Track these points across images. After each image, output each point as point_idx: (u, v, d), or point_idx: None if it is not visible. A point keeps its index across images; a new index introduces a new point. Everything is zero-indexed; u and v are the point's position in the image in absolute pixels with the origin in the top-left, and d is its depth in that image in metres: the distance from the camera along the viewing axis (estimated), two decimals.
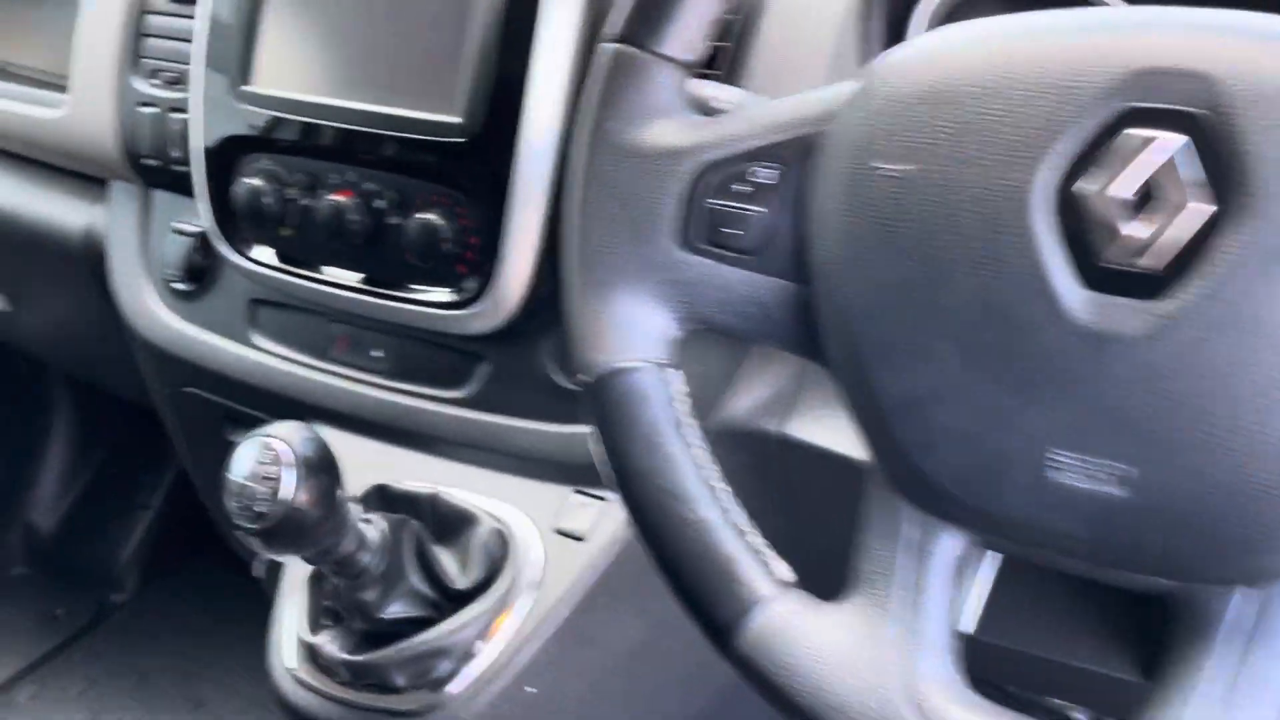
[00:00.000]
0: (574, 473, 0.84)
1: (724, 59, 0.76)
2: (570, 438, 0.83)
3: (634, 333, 0.50)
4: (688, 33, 0.51)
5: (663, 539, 0.49)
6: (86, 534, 1.81)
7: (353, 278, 0.88)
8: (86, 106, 1.03)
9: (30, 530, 1.81)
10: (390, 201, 0.84)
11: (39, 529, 1.81)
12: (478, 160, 0.80)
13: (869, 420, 0.48)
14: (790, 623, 0.47)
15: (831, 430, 0.80)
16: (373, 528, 0.74)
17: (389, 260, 0.86)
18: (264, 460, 0.64)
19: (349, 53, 0.85)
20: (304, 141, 0.87)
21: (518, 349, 0.86)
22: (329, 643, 0.76)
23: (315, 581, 0.80)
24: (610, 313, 0.50)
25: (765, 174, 0.48)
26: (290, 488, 0.64)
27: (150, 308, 1.03)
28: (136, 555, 1.78)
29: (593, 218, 0.51)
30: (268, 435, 0.65)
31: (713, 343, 0.78)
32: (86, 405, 1.83)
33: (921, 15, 0.75)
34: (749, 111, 0.50)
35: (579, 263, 0.51)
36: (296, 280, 0.90)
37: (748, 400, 0.78)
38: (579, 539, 0.81)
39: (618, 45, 0.51)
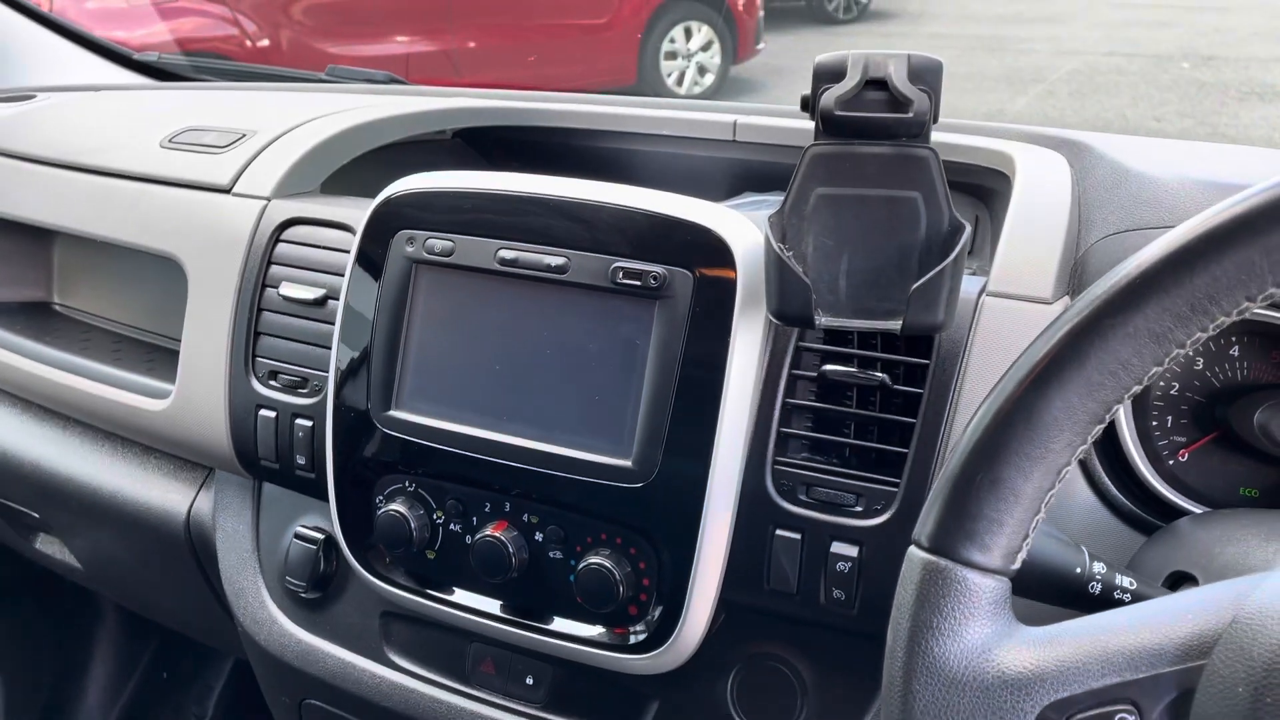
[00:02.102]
0: None
1: (920, 407, 0.73)
2: None
3: None
4: (1009, 540, 0.48)
5: None
6: None
7: (497, 606, 0.84)
8: (195, 402, 0.99)
9: None
10: (552, 535, 0.80)
11: None
12: (655, 506, 0.76)
13: None
14: None
15: None
16: None
17: (547, 594, 0.81)
18: None
19: (504, 384, 0.81)
20: (455, 471, 0.83)
21: (694, 688, 0.81)
22: None
23: None
24: None
25: (1121, 718, 0.45)
26: None
27: (270, 614, 0.97)
28: None
29: None
30: None
31: None
32: (129, 614, 1.75)
33: None
34: (1090, 628, 0.47)
35: None
36: (436, 605, 0.86)
37: None
38: None
39: (934, 558, 0.48)
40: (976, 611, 0.47)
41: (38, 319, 1.19)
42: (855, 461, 0.75)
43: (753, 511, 0.76)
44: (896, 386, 0.74)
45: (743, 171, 1.09)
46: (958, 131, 0.98)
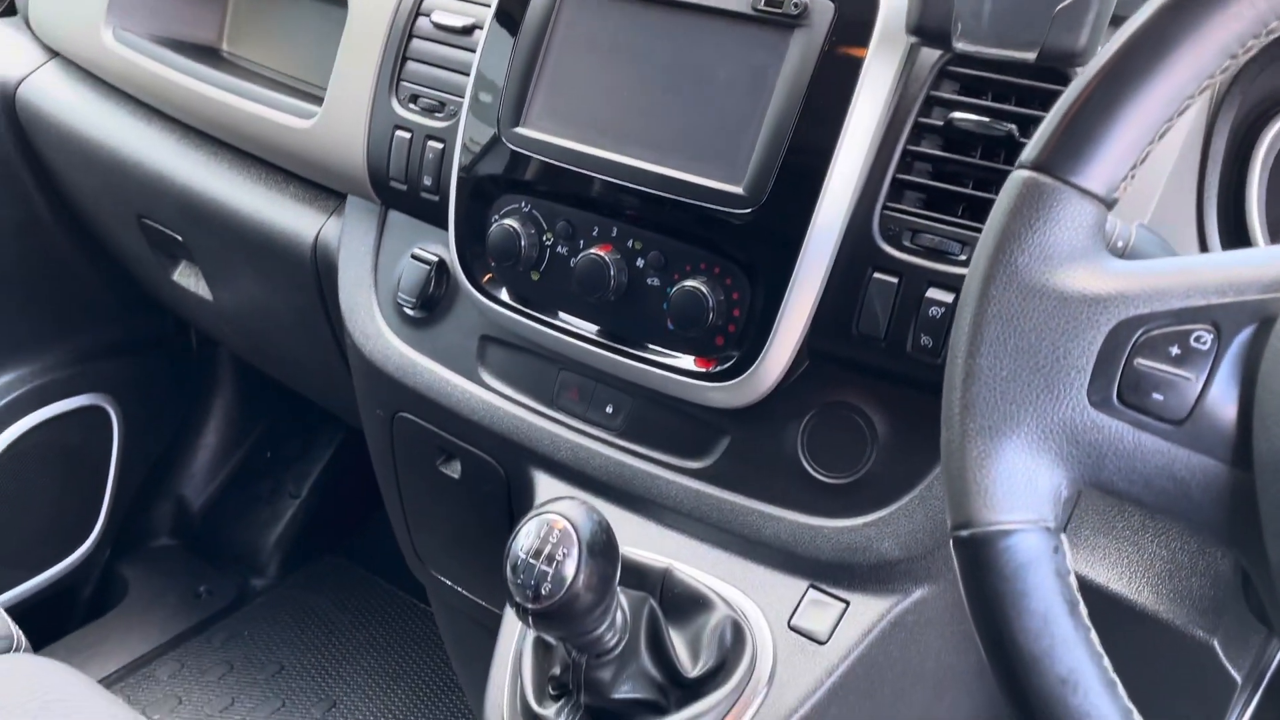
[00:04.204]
0: (811, 567, 0.81)
1: None
2: (813, 530, 0.80)
3: (1026, 489, 0.46)
4: (1115, 168, 0.47)
5: None
6: (234, 515, 1.84)
7: (593, 329, 0.86)
8: (339, 121, 1.04)
9: (180, 504, 1.85)
10: (653, 262, 0.82)
11: (189, 503, 1.85)
12: (758, 235, 0.77)
13: None
14: None
15: (1103, 565, 0.75)
16: (620, 609, 0.72)
17: (640, 320, 0.84)
18: (551, 540, 0.62)
19: (628, 107, 0.83)
20: (569, 190, 0.86)
21: (765, 428, 0.83)
22: (556, 716, 0.74)
23: (542, 645, 0.78)
24: (1001, 464, 0.47)
25: (1198, 338, 0.45)
26: (572, 571, 0.62)
27: (379, 329, 1.03)
28: (280, 542, 1.80)
29: (991, 356, 0.47)
30: (556, 514, 0.63)
31: None
32: (247, 387, 1.86)
33: (1273, 140, 0.70)
34: (1180, 263, 0.46)
35: (967, 402, 0.48)
36: (535, 325, 0.89)
37: None
38: (817, 641, 0.77)
39: (1034, 174, 0.48)
40: (1067, 229, 0.47)
41: (205, 60, 1.26)
42: (968, 213, 0.74)
43: (853, 253, 0.76)
44: (1022, 140, 0.73)
45: None
46: None
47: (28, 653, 0.94)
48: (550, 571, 0.62)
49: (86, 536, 1.70)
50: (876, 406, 0.79)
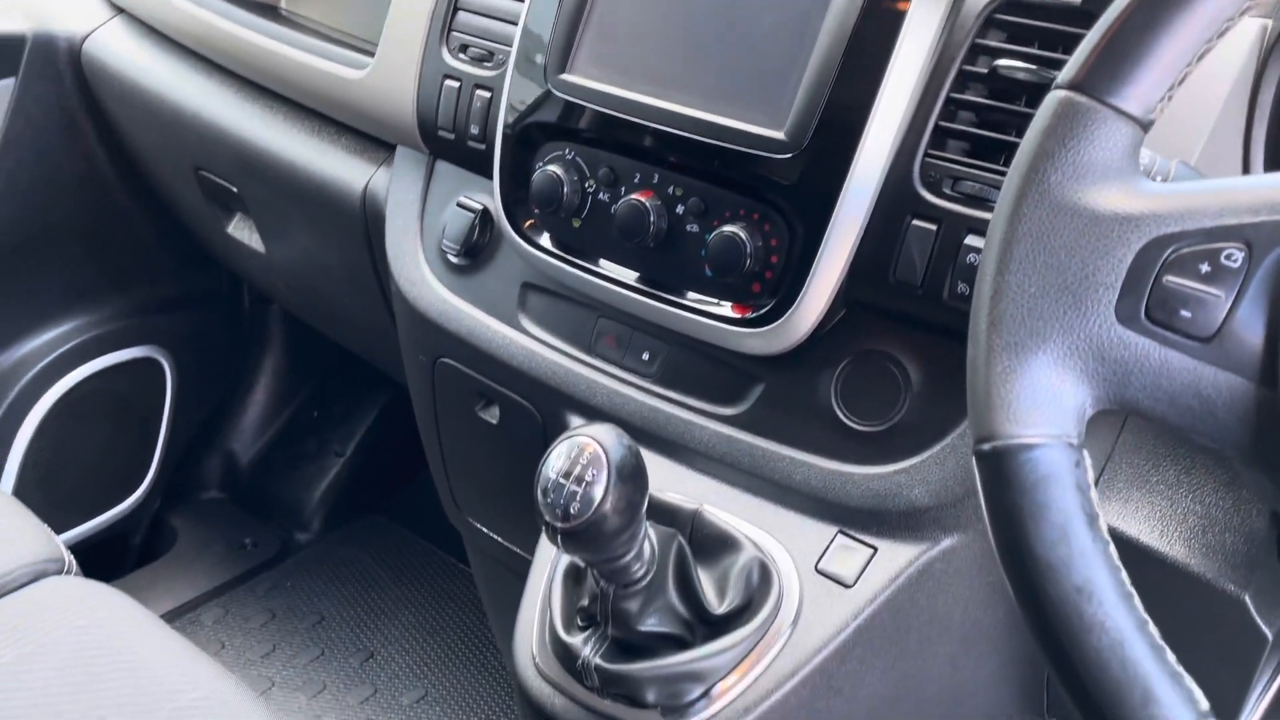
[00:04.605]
0: (841, 513, 0.81)
1: None
2: (844, 477, 0.80)
3: (1050, 405, 0.47)
4: (1151, 89, 0.47)
5: (1072, 644, 0.45)
6: (280, 470, 1.88)
7: (632, 276, 0.87)
8: (390, 71, 1.06)
9: (229, 458, 1.89)
10: (693, 208, 0.83)
11: (237, 458, 1.89)
12: (797, 180, 0.78)
13: None
14: None
15: (1136, 518, 0.75)
16: (648, 540, 0.73)
17: (678, 266, 0.84)
18: (581, 461, 0.63)
19: (674, 53, 0.84)
20: (612, 136, 0.87)
21: (799, 375, 0.83)
22: (584, 644, 0.75)
23: (571, 578, 0.80)
24: (1026, 379, 0.47)
25: (1229, 255, 0.44)
26: (601, 492, 0.63)
27: (424, 275, 1.05)
28: (324, 499, 1.84)
29: (1019, 273, 0.48)
30: (587, 437, 0.64)
31: None
32: (295, 346, 1.90)
33: None
34: (1215, 184, 0.46)
35: (994, 318, 0.48)
36: (575, 271, 0.90)
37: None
38: (843, 584, 0.78)
39: (1070, 93, 0.48)
40: (1102, 149, 0.47)
41: (265, 16, 1.28)
42: (1010, 161, 0.74)
43: (892, 200, 0.76)
44: None
45: None
46: None
47: (77, 576, 0.97)
48: (579, 492, 0.63)
49: (138, 485, 1.75)
50: (911, 355, 0.79)
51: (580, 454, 0.64)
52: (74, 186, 1.55)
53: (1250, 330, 0.44)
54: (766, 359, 0.84)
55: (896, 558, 0.78)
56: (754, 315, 0.81)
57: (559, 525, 0.63)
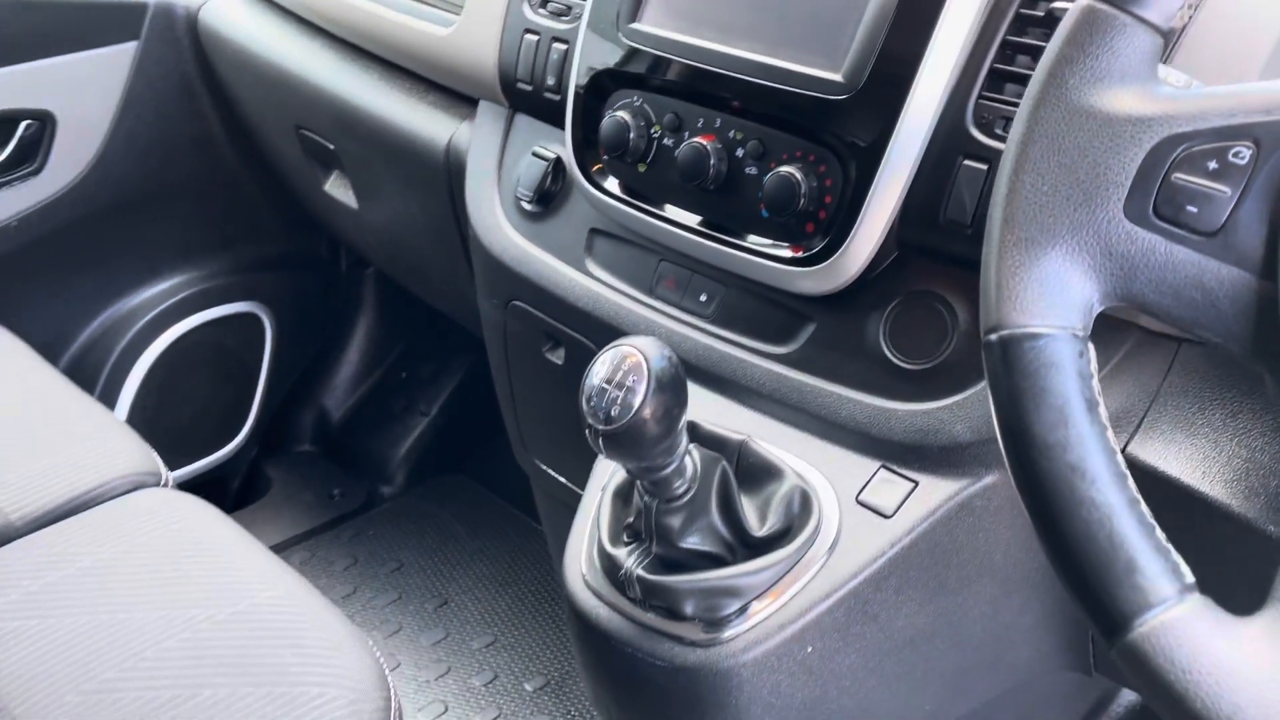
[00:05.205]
0: (884, 448, 0.83)
1: None
2: (889, 413, 0.82)
3: (1058, 297, 0.48)
4: None
5: (1062, 517, 0.47)
6: (369, 427, 1.97)
7: (693, 220, 0.91)
8: (475, 27, 1.11)
9: (322, 414, 1.99)
10: (752, 151, 0.86)
11: (329, 414, 1.99)
12: (852, 121, 0.80)
13: None
14: (1194, 629, 0.45)
15: (1177, 459, 0.75)
16: (690, 458, 0.76)
17: (736, 209, 0.87)
18: (623, 368, 0.67)
19: (738, 2, 0.87)
20: (678, 82, 0.90)
21: (849, 316, 0.85)
22: (628, 557, 0.79)
23: (620, 497, 0.83)
24: (1035, 273, 0.49)
25: (1236, 153, 0.46)
26: (640, 398, 0.66)
27: (499, 222, 1.10)
28: (409, 455, 1.92)
29: (1034, 173, 0.50)
30: (631, 346, 0.68)
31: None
32: (388, 309, 1.99)
33: None
34: (1225, 88, 0.47)
35: (1008, 216, 0.50)
36: (639, 215, 0.94)
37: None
38: (883, 515, 0.80)
39: (1094, 1, 0.49)
40: (1120, 55, 0.49)
41: None
42: None
43: (946, 142, 0.78)
44: None
45: None
46: None
47: (171, 488, 1.05)
48: (620, 396, 0.66)
49: (237, 433, 1.86)
50: (959, 295, 0.81)
51: (623, 362, 0.67)
52: (188, 147, 1.66)
53: (1254, 225, 0.45)
54: (819, 299, 0.86)
55: (937, 492, 0.80)
56: (806, 255, 0.84)
57: (601, 428, 0.67)
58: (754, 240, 0.87)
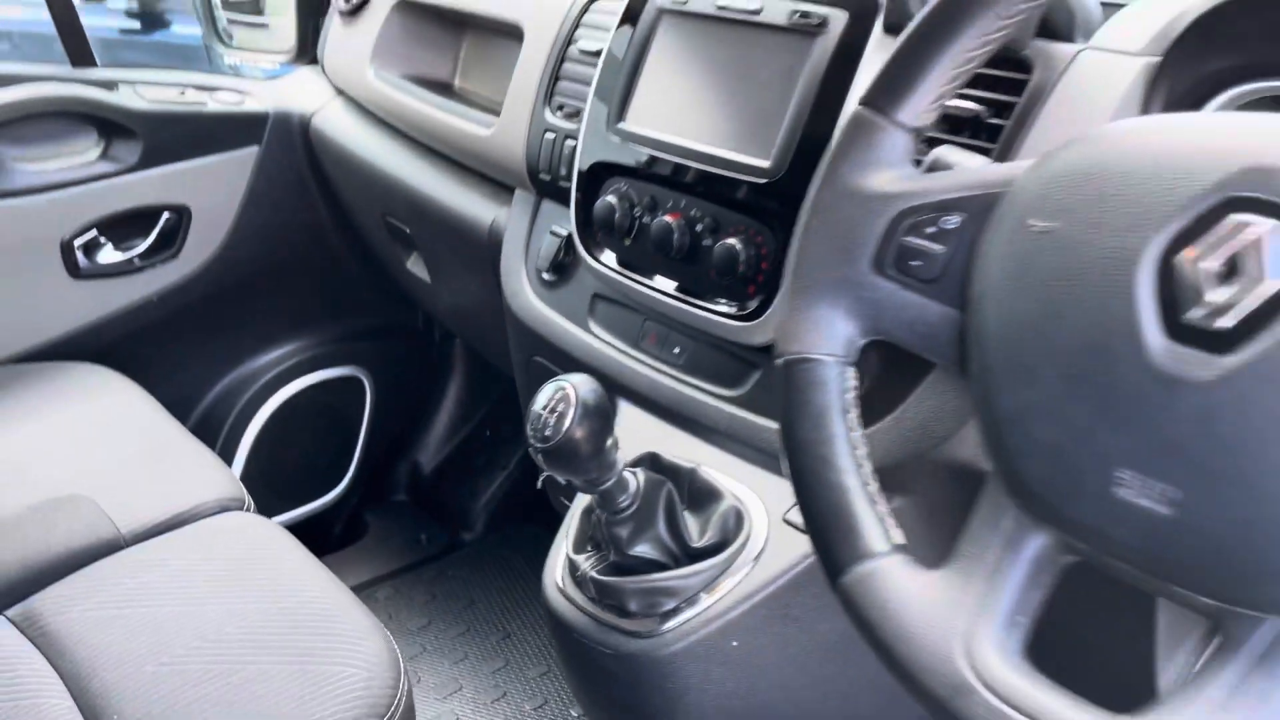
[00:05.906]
0: None
1: (1001, 135, 0.86)
2: None
3: (825, 332, 0.63)
4: (919, 105, 0.63)
5: (810, 494, 0.62)
6: (455, 479, 2.18)
7: (669, 285, 1.07)
8: (509, 128, 1.32)
9: (415, 467, 2.21)
10: (707, 226, 1.03)
11: (421, 467, 2.21)
12: (776, 198, 0.96)
13: (988, 428, 0.57)
14: (891, 575, 0.58)
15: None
16: (634, 478, 0.92)
17: (697, 275, 1.04)
18: (556, 398, 0.84)
19: (696, 103, 1.05)
20: (652, 170, 1.08)
21: None
22: (585, 560, 0.95)
23: (586, 514, 0.99)
24: (810, 314, 0.64)
25: (951, 220, 0.60)
26: (569, 422, 0.83)
27: (524, 290, 1.29)
28: (488, 504, 2.11)
29: (812, 239, 0.65)
30: (565, 381, 0.85)
31: (951, 383, 0.88)
32: (474, 375, 2.21)
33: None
34: (953, 172, 0.62)
35: (795, 269, 0.65)
36: (627, 282, 1.11)
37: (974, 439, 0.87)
38: (803, 531, 0.93)
39: (863, 108, 0.65)
40: (880, 149, 0.63)
41: (440, 91, 1.60)
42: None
43: None
44: (990, 120, 0.87)
45: None
46: None
47: (252, 512, 1.27)
48: (553, 420, 0.83)
49: (339, 483, 2.09)
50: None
51: (557, 393, 0.84)
52: (300, 233, 1.93)
53: (960, 273, 0.59)
54: (763, 349, 1.01)
55: None
56: (748, 311, 0.99)
57: (539, 445, 0.84)
58: (710, 301, 1.03)
